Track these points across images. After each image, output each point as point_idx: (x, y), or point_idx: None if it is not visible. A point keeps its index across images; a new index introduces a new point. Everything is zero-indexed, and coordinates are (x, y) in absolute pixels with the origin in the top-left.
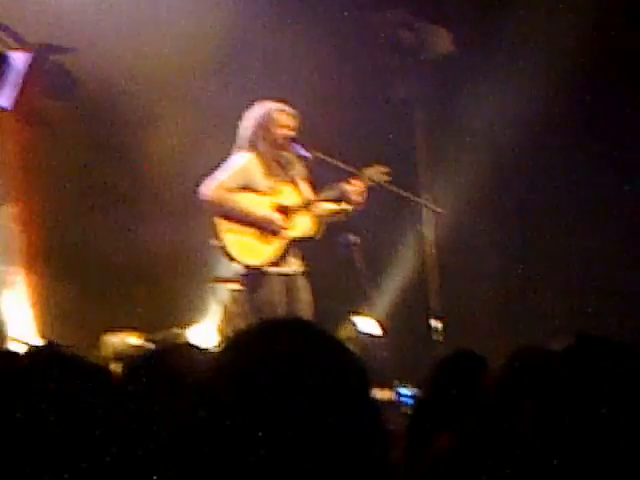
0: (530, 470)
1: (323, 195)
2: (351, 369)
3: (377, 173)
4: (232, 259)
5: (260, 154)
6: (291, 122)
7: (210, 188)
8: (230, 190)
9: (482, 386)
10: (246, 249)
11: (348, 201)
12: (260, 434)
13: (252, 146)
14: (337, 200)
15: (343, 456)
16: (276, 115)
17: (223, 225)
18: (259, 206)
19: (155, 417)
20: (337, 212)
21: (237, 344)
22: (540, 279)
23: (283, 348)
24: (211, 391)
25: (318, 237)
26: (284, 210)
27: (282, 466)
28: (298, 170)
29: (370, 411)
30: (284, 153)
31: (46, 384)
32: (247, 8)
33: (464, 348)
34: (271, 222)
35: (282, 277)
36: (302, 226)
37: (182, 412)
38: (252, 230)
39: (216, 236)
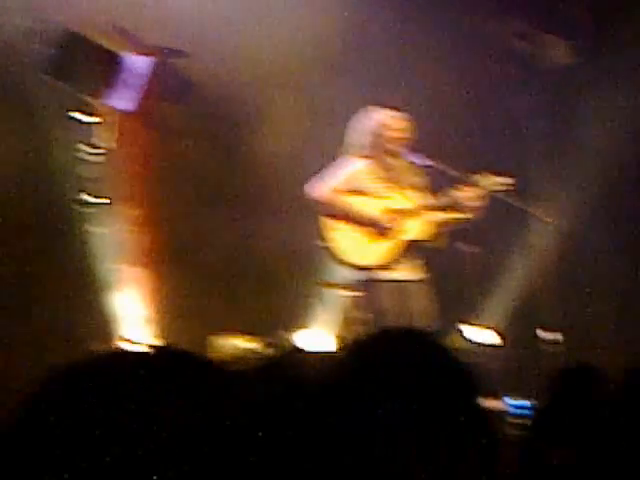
0: None
1: (436, 202)
2: (462, 379)
3: (494, 183)
4: (338, 259)
5: (372, 160)
6: (404, 129)
7: (321, 189)
8: (341, 193)
9: (601, 401)
10: (354, 250)
11: (460, 209)
12: (372, 439)
13: (364, 152)
14: (450, 207)
15: (453, 463)
16: (389, 121)
17: (331, 226)
18: (369, 208)
19: (270, 420)
20: (449, 220)
21: (354, 351)
22: None
23: (397, 358)
24: (329, 396)
25: (432, 243)
26: (395, 214)
27: (394, 469)
28: (411, 177)
29: (479, 420)
30: (398, 159)
31: (160, 385)
32: (364, 13)
33: (584, 361)
34: (380, 223)
35: (396, 284)
36: (413, 230)
37: (298, 416)
38: (360, 231)
39: (322, 237)
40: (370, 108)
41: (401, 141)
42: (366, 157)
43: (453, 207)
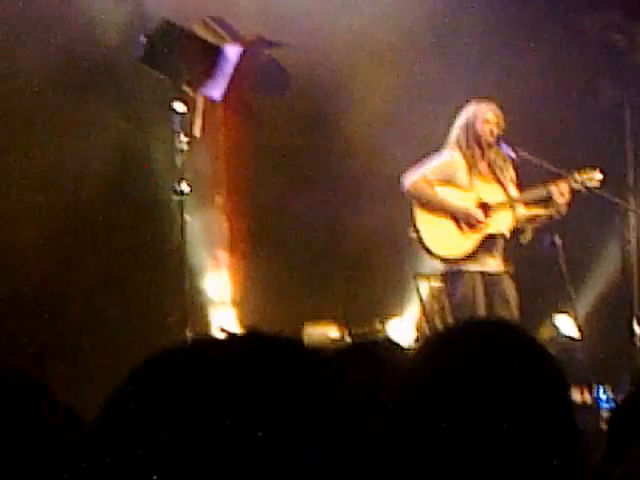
0: None
1: (528, 195)
2: (551, 372)
3: (588, 178)
4: (427, 250)
5: (465, 151)
6: (497, 120)
7: (413, 179)
8: (432, 183)
9: None
10: (442, 241)
11: (553, 204)
12: (458, 432)
13: (458, 143)
14: (542, 201)
15: (540, 456)
16: (482, 113)
17: (421, 216)
18: (460, 200)
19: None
20: (540, 216)
21: (439, 343)
22: None
23: (485, 349)
24: (412, 388)
25: (521, 237)
26: (485, 207)
27: (478, 463)
28: (504, 169)
29: (567, 413)
30: (490, 152)
31: (251, 372)
32: (458, 3)
33: None
34: (470, 215)
35: (483, 276)
36: (503, 223)
37: (380, 408)
38: (449, 222)
39: (413, 226)
40: (470, 102)
41: (494, 133)
42: (459, 149)
43: (545, 202)
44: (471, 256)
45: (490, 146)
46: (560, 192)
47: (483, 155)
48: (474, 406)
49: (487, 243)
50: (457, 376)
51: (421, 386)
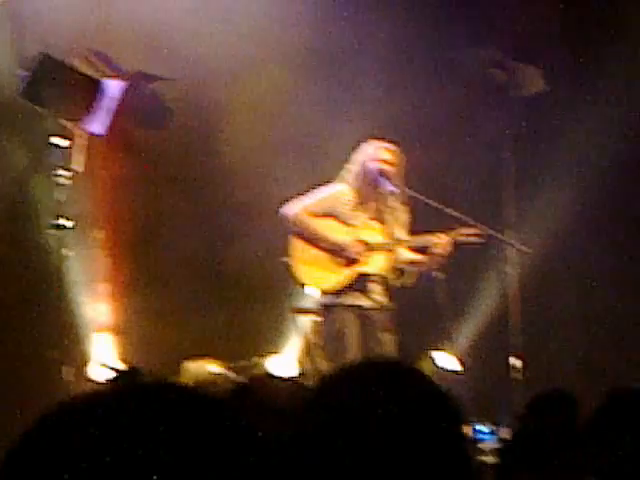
0: None
1: (410, 241)
2: (449, 407)
3: (468, 235)
4: (296, 279)
5: (353, 187)
6: (387, 157)
7: (293, 209)
8: (313, 215)
9: (574, 426)
10: (313, 272)
11: (431, 253)
12: (346, 467)
13: (347, 178)
14: (421, 250)
15: None
16: (368, 148)
17: (297, 245)
18: (339, 233)
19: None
20: (416, 262)
21: (336, 380)
22: (626, 322)
23: (380, 387)
24: (309, 424)
25: (389, 278)
26: (363, 244)
27: None
28: (394, 210)
29: (462, 446)
30: (379, 190)
31: (131, 409)
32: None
33: (557, 387)
34: (346, 248)
35: (358, 310)
36: (378, 264)
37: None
38: (323, 255)
39: (288, 255)
40: (364, 140)
41: (382, 168)
42: (348, 183)
43: (424, 249)
44: (344, 291)
45: (377, 184)
46: (441, 244)
47: (372, 193)
48: (362, 441)
49: (360, 281)
50: (344, 413)
51: (318, 421)
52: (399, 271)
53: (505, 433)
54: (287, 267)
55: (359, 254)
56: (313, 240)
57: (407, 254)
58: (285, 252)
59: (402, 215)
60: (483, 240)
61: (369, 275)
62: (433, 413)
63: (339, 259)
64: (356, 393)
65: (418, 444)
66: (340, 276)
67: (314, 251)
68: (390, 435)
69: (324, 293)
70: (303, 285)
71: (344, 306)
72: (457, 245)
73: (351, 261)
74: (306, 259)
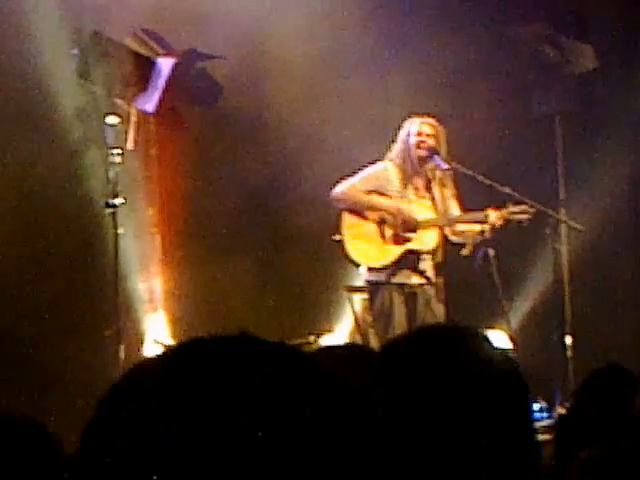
0: None
1: (460, 217)
2: (514, 377)
3: (521, 212)
4: (347, 256)
5: (400, 164)
6: (433, 133)
7: (342, 187)
8: (363, 192)
9: (633, 401)
10: (364, 248)
11: (487, 221)
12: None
13: (392, 156)
14: (476, 222)
15: (499, 465)
16: (416, 126)
17: (347, 220)
18: (389, 210)
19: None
20: (473, 233)
21: (394, 351)
22: None
23: (449, 353)
24: (370, 395)
25: (464, 252)
26: (412, 220)
27: (438, 465)
28: (443, 185)
29: (528, 417)
30: (426, 166)
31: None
32: (395, 18)
33: (614, 363)
34: (402, 212)
35: (404, 288)
36: (427, 240)
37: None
38: (374, 230)
39: (339, 231)
40: (406, 116)
41: (429, 146)
42: (394, 160)
43: (480, 221)
44: (393, 268)
45: (424, 160)
46: (491, 220)
47: (418, 169)
48: (448, 410)
49: (409, 258)
50: (426, 379)
51: (380, 393)
52: (462, 243)
53: (559, 410)
54: (339, 245)
55: (414, 214)
56: (364, 208)
57: (461, 227)
58: (337, 230)
59: (451, 191)
60: (531, 217)
61: (419, 252)
62: (503, 380)
63: (388, 235)
64: (421, 358)
65: (485, 411)
66: (389, 253)
67: (364, 224)
68: (458, 400)
69: (373, 270)
70: (355, 263)
71: (392, 284)
72: (508, 222)
73: (401, 238)
74: (357, 236)
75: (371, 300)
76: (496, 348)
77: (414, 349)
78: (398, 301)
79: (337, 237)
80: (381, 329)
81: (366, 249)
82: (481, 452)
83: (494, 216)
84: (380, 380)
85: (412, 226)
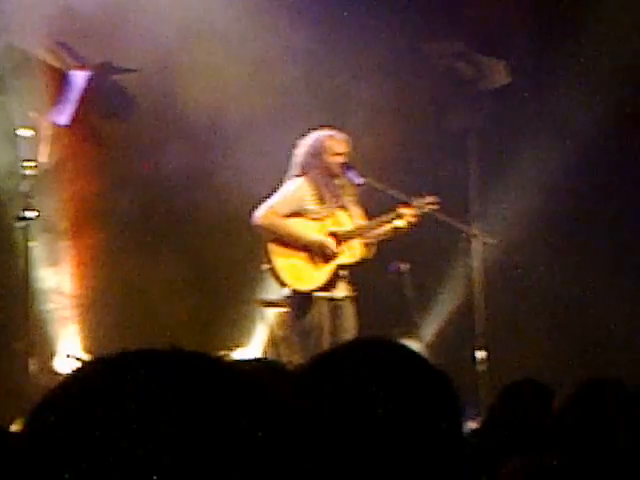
0: None
1: (376, 220)
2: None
3: (426, 203)
4: (283, 284)
5: (312, 180)
6: (342, 148)
7: (262, 213)
8: (282, 215)
9: (548, 414)
10: (297, 274)
11: (402, 217)
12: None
13: (304, 172)
14: (392, 220)
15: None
16: (328, 142)
17: (274, 250)
18: (311, 231)
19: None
20: (389, 232)
21: (324, 363)
22: (591, 311)
23: (372, 366)
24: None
25: (366, 259)
26: (335, 236)
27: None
28: (351, 196)
29: (457, 424)
30: (336, 180)
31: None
32: (305, 33)
33: (528, 378)
34: (325, 246)
35: (329, 301)
36: (352, 252)
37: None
38: (303, 255)
39: (267, 261)
40: (311, 131)
41: (340, 160)
42: (306, 177)
43: (393, 220)
44: (324, 286)
45: (337, 174)
46: (407, 212)
47: (330, 183)
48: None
49: (338, 272)
50: (349, 394)
51: (307, 407)
52: (369, 252)
53: (472, 424)
54: (270, 273)
55: (335, 246)
56: (288, 241)
57: (377, 231)
58: (264, 259)
59: (358, 199)
60: (436, 207)
61: (349, 264)
62: (428, 389)
63: (316, 257)
64: (349, 372)
65: (415, 420)
66: (321, 273)
67: (291, 252)
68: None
69: (305, 291)
70: (287, 286)
71: (317, 297)
72: (421, 216)
73: (330, 255)
74: (286, 264)
75: (296, 315)
76: (429, 362)
77: (351, 362)
78: (326, 314)
79: (265, 266)
80: (311, 343)
81: (298, 274)
82: (414, 462)
83: (407, 211)
84: (310, 393)
85: (334, 256)
